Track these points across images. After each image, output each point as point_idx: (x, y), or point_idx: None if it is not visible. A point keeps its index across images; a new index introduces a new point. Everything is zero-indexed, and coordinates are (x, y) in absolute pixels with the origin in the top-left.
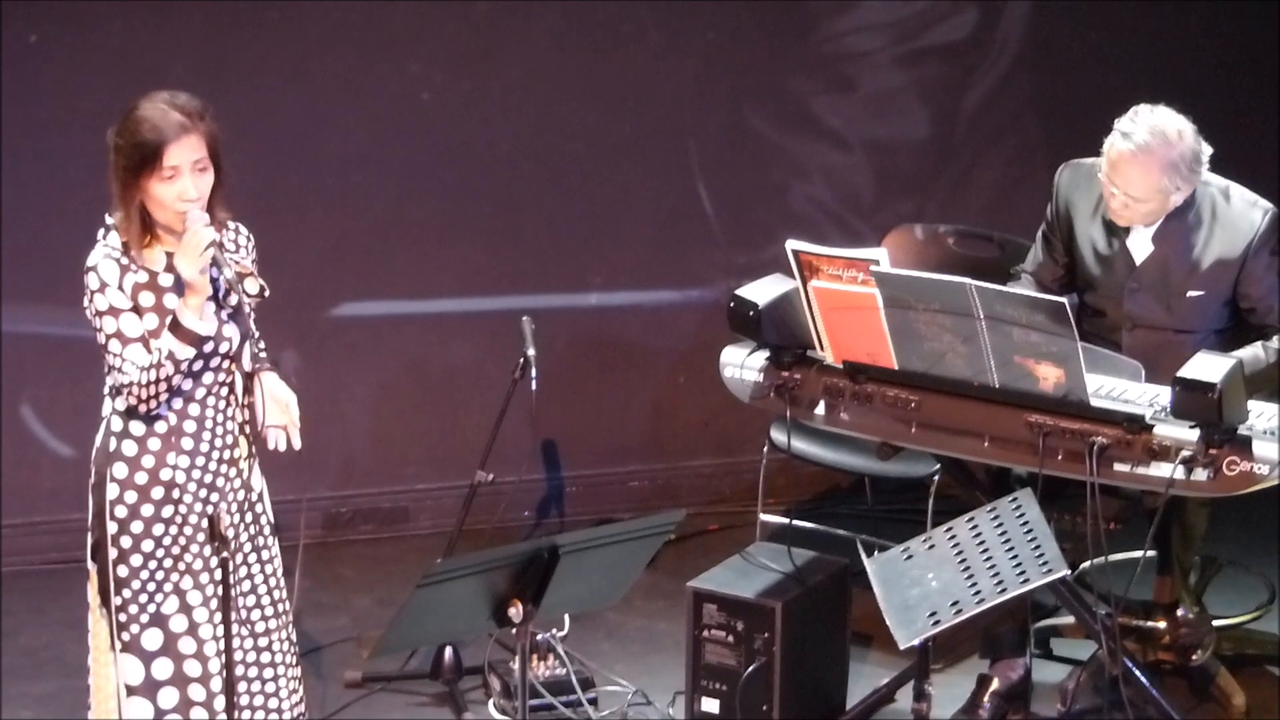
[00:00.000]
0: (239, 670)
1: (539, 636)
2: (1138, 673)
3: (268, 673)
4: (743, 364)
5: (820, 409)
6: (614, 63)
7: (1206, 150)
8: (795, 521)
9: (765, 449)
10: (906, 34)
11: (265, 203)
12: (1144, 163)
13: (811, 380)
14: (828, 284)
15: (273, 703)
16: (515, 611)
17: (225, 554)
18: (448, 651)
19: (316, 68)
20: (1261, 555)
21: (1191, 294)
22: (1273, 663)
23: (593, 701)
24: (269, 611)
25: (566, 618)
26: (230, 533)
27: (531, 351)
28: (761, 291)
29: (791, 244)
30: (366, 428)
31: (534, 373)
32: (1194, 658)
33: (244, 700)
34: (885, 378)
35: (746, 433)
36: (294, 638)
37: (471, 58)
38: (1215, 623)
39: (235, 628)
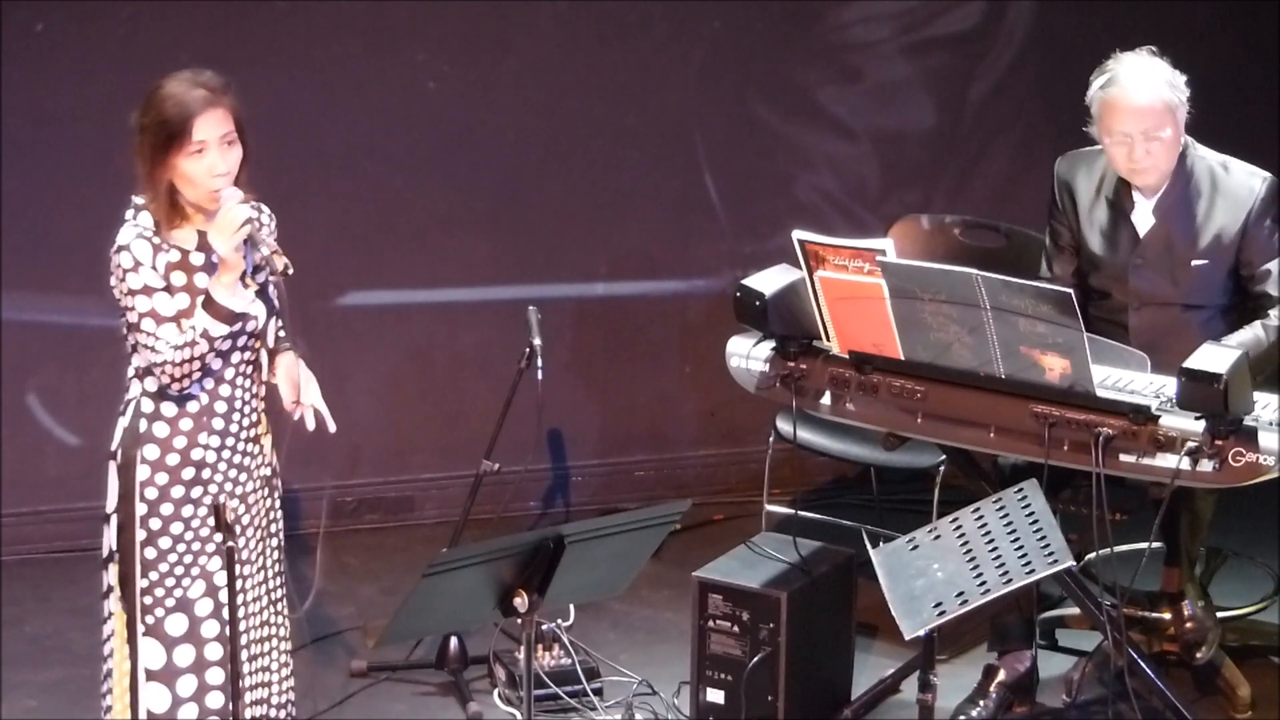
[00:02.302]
0: (248, 649)
1: (544, 626)
2: (1143, 664)
3: (265, 646)
4: (749, 354)
5: (826, 399)
6: (620, 53)
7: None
8: (801, 512)
9: (771, 439)
10: (913, 24)
11: (271, 192)
12: (1147, 91)
13: (817, 370)
14: (834, 274)
15: (263, 675)
16: (521, 601)
17: (231, 543)
18: (453, 641)
19: (322, 57)
20: (1266, 546)
21: (1196, 263)
22: (1277, 654)
23: (598, 691)
24: (273, 584)
25: (572, 607)
26: (247, 518)
27: (537, 341)
28: (767, 281)
29: (798, 234)
30: (372, 417)
31: (540, 362)
32: (1199, 654)
33: (247, 681)
34: (891, 368)
35: (752, 423)
36: (287, 610)
37: (478, 47)
38: (1220, 614)
39: (240, 610)
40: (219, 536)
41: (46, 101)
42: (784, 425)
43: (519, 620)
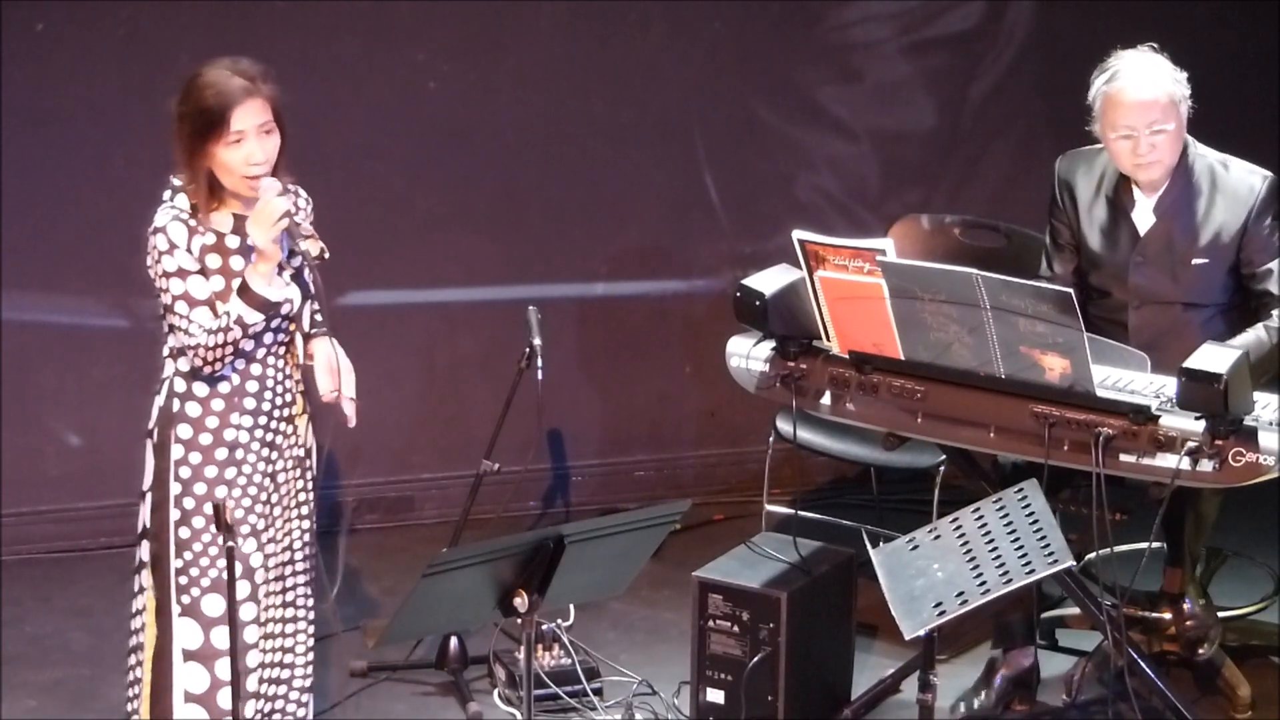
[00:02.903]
0: (267, 628)
1: (544, 626)
2: (1143, 664)
3: (289, 628)
4: (749, 354)
5: (826, 399)
6: (620, 53)
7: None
8: (801, 512)
9: (771, 439)
10: (913, 24)
11: None
12: (1155, 85)
13: (817, 370)
14: (834, 274)
15: (285, 656)
16: (521, 601)
17: (231, 543)
18: (453, 641)
19: (323, 57)
20: (1266, 546)
21: (1196, 261)
22: (1277, 654)
23: (598, 691)
24: (299, 566)
25: (572, 607)
26: (275, 496)
27: (537, 341)
28: (768, 281)
29: (798, 234)
30: (372, 417)
31: (540, 362)
32: (1200, 652)
33: (266, 658)
34: (891, 368)
35: (752, 423)
36: (311, 591)
37: (478, 47)
38: (1220, 614)
39: (266, 587)
40: (270, 511)
41: (46, 101)
42: (784, 425)
43: (519, 620)
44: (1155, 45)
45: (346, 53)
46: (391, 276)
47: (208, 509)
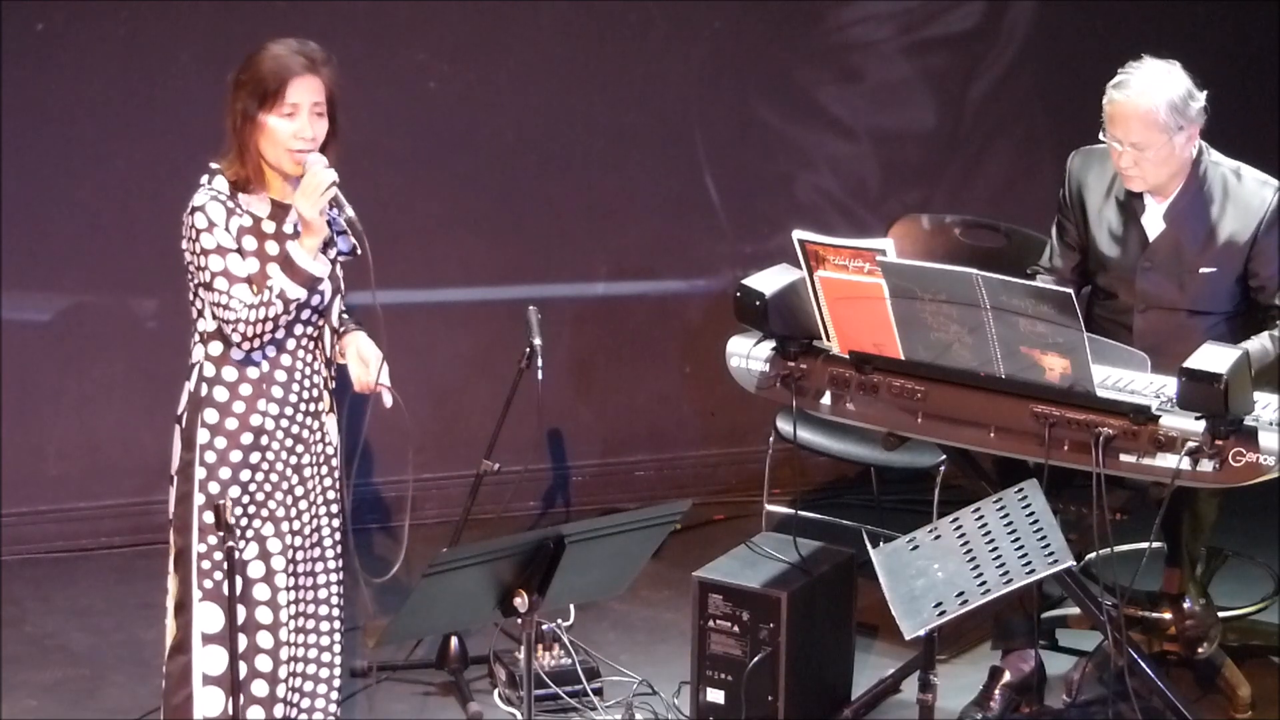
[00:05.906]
0: (299, 621)
1: (544, 626)
2: (1143, 664)
3: (324, 625)
4: (749, 354)
5: (826, 399)
6: (620, 53)
7: (1200, 94)
8: (801, 512)
9: (771, 439)
10: (913, 24)
11: None
12: (1139, 104)
13: (817, 370)
14: (834, 274)
15: (323, 655)
16: (521, 601)
17: (231, 543)
18: (453, 641)
19: None
20: (1266, 546)
21: (1204, 270)
22: (1277, 654)
23: (598, 691)
24: (331, 565)
25: (572, 607)
26: (301, 490)
27: (537, 341)
28: (768, 281)
29: (798, 234)
30: (372, 417)
31: (540, 362)
32: (1200, 650)
33: (297, 652)
34: (891, 368)
35: (752, 423)
36: (342, 590)
37: (478, 47)
38: (1220, 614)
39: (294, 579)
40: (289, 500)
41: (47, 100)
42: (784, 425)
43: (519, 620)
44: (1178, 62)
45: (346, 53)
46: (391, 276)
47: (232, 493)
